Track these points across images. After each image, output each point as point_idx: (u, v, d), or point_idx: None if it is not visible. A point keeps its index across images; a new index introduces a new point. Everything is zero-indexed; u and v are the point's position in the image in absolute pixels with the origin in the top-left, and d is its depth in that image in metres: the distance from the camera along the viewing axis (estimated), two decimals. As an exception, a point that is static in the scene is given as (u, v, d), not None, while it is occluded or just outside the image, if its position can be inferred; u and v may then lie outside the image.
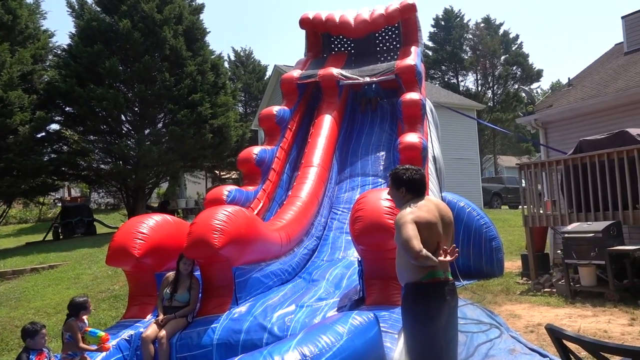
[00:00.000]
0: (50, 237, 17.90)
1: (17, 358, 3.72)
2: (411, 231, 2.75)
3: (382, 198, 4.38)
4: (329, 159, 8.94)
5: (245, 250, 4.98)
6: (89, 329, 4.11)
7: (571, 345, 1.88)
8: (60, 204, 22.94)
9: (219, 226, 4.72)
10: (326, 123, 9.41)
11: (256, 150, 8.39)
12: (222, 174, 24.83)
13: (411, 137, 7.63)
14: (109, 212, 25.98)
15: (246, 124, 21.72)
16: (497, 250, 8.58)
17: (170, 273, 4.94)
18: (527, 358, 4.18)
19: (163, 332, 4.44)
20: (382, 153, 9.44)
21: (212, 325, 4.44)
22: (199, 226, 4.78)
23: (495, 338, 4.78)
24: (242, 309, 4.68)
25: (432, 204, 3.03)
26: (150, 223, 5.01)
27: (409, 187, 3.07)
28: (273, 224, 6.37)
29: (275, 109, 9.18)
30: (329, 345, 2.38)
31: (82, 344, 4.04)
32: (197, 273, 5.04)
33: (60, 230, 17.87)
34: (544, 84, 68.49)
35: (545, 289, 7.09)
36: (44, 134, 16.91)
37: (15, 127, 14.32)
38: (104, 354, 4.24)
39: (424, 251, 2.72)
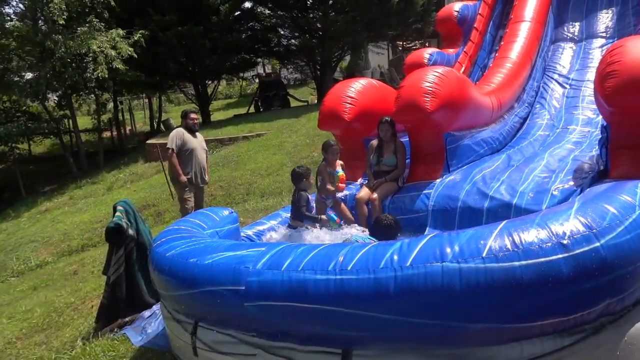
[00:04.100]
0: (252, 109, 19.92)
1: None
2: None
3: (648, 46, 3.40)
4: (544, 12, 7.51)
5: (457, 114, 4.56)
6: (337, 168, 4.35)
7: None
8: (257, 80, 25.11)
9: (430, 89, 4.33)
10: (542, -34, 7.76)
11: (457, 6, 7.46)
12: (404, 44, 23.72)
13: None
14: (297, 87, 27.58)
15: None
16: None
17: (374, 140, 4.87)
18: None
19: (375, 195, 4.49)
20: (616, 6, 7.56)
21: (426, 191, 4.31)
22: (408, 89, 4.46)
23: None
24: (456, 176, 4.42)
25: None
26: (357, 87, 4.87)
27: None
28: (482, 88, 5.72)
29: (479, -45, 7.85)
30: (619, 218, 1.95)
31: (328, 186, 4.32)
32: (405, 139, 4.86)
33: (260, 104, 19.70)
34: None
35: None
36: (239, 12, 17.94)
37: (217, 7, 15.38)
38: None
39: None
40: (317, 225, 3.97)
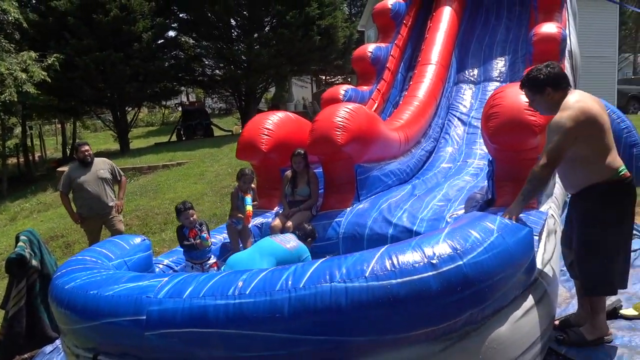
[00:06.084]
0: (174, 138, 19.57)
1: (177, 232, 4.16)
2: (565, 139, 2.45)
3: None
4: (448, 56, 8.30)
5: (367, 147, 4.91)
6: (247, 197, 4.50)
7: None
8: (180, 109, 24.78)
9: (342, 123, 4.65)
10: (446, 16, 8.61)
11: (371, 47, 8.01)
12: (327, 78, 24.66)
13: (548, 27, 6.70)
14: (222, 117, 27.53)
15: (353, 25, 20.89)
16: (637, 158, 7.64)
17: (288, 171, 5.08)
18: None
19: (290, 223, 4.65)
20: (508, 55, 8.56)
21: (337, 219, 4.55)
22: (321, 123, 4.76)
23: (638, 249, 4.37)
24: (365, 204, 4.72)
25: (587, 95, 2.64)
26: (274, 119, 5.09)
27: (554, 83, 2.68)
28: (391, 124, 6.18)
29: (390, 2, 8.54)
30: (480, 241, 2.28)
31: (239, 214, 4.47)
32: (319, 170, 5.12)
33: (182, 132, 19.43)
34: None
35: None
36: (162, 40, 17.79)
37: (139, 34, 15.17)
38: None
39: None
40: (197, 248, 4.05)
